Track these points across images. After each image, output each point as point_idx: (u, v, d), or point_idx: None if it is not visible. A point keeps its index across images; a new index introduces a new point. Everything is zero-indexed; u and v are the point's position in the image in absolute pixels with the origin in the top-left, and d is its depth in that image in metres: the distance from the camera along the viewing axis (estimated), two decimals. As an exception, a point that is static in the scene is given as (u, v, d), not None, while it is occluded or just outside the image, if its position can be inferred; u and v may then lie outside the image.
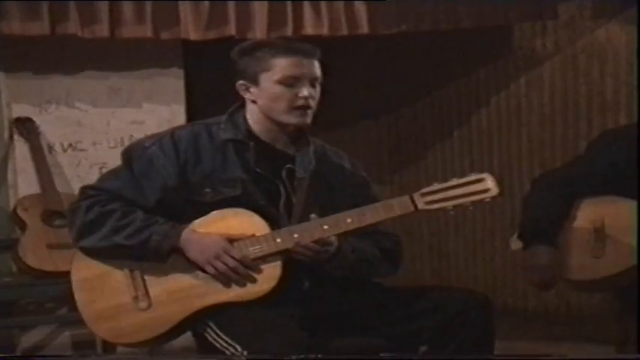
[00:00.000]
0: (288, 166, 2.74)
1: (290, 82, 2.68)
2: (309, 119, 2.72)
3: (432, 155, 5.88)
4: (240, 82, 2.75)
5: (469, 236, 5.70)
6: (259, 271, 2.62)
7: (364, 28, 4.57)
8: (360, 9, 4.56)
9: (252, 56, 2.72)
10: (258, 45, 2.76)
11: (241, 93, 2.76)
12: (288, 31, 4.41)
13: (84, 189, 2.78)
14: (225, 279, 2.63)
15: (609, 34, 4.98)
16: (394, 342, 2.67)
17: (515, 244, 3.35)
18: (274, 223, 2.67)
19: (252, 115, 2.75)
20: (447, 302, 2.64)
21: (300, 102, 2.68)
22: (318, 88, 2.73)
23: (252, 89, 2.73)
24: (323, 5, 4.50)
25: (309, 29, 4.46)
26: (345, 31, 4.51)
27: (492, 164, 5.52)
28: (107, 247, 2.68)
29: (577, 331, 4.81)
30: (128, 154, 2.77)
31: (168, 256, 2.67)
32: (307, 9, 4.48)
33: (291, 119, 2.70)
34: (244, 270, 2.62)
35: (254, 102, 2.73)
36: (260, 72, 2.70)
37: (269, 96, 2.70)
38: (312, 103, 2.71)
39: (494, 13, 4.87)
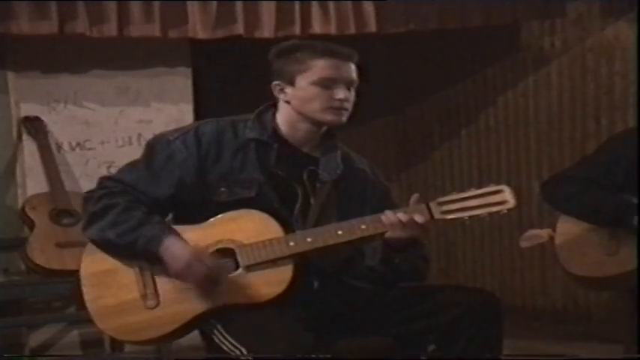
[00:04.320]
0: (311, 168, 2.73)
1: (327, 83, 2.67)
2: (344, 118, 2.71)
3: (440, 154, 5.88)
4: (276, 82, 2.73)
5: (477, 235, 5.67)
6: (269, 275, 2.59)
7: (372, 27, 4.56)
8: (368, 8, 4.55)
9: (290, 57, 2.70)
10: (297, 46, 2.74)
11: (275, 93, 2.74)
12: (296, 30, 4.40)
13: (101, 179, 2.76)
14: (201, 289, 2.60)
15: (618, 32, 4.94)
16: (402, 341, 2.65)
17: (526, 242, 3.34)
18: (289, 227, 2.64)
19: (284, 116, 2.74)
20: (455, 301, 2.61)
21: (336, 103, 2.67)
22: (354, 92, 2.72)
23: (288, 90, 2.71)
24: (331, 4, 4.49)
25: (317, 28, 4.46)
26: (352, 30, 4.51)
27: (500, 163, 5.52)
28: (103, 242, 2.66)
29: (585, 330, 4.79)
30: (151, 147, 2.75)
31: (159, 259, 2.63)
32: (315, 8, 4.47)
33: (326, 117, 2.69)
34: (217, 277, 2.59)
35: (287, 103, 2.72)
36: (297, 73, 2.69)
37: (305, 97, 2.69)
38: (348, 105, 2.70)
39: (501, 11, 4.85)
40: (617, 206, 3.00)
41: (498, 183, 2.53)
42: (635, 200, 2.98)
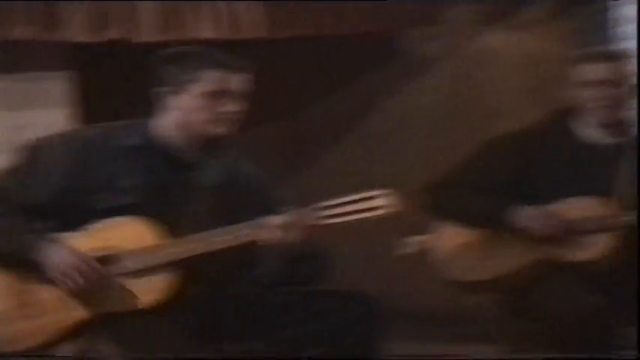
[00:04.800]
0: (194, 174, 2.70)
1: (216, 95, 2.66)
2: (230, 130, 2.70)
3: (328, 159, 5.89)
4: (163, 89, 2.69)
5: (362, 239, 5.71)
6: (152, 281, 2.57)
7: (263, 32, 4.52)
8: (259, 12, 4.48)
9: (179, 65, 2.69)
10: (187, 54, 2.72)
11: (161, 100, 2.71)
12: (185, 34, 4.31)
13: None
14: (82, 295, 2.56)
15: (494, 40, 5.08)
16: (285, 346, 2.67)
17: (406, 248, 3.39)
18: (171, 233, 2.62)
19: (168, 123, 2.72)
20: (331, 306, 2.68)
21: (224, 116, 2.67)
22: (244, 103, 2.72)
23: (175, 97, 2.68)
24: (223, 8, 4.40)
25: (207, 32, 4.36)
26: (244, 35, 4.45)
27: (385, 168, 5.56)
28: None
29: (467, 332, 4.87)
30: (28, 152, 2.70)
31: (37, 268, 2.59)
32: (205, 11, 4.36)
33: (213, 129, 2.69)
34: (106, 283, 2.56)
35: (174, 110, 2.69)
36: (186, 82, 2.66)
37: (192, 106, 2.67)
38: (236, 117, 2.70)
39: (383, 18, 4.89)
40: (492, 210, 3.08)
41: (385, 187, 2.60)
42: (508, 202, 3.06)
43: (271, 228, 2.58)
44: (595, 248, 2.99)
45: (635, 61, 3.28)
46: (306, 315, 2.67)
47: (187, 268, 2.61)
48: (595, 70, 3.07)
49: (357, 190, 2.68)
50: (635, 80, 3.10)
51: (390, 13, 4.92)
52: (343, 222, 2.66)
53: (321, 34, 4.81)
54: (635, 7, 4.60)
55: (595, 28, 4.64)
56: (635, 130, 3.11)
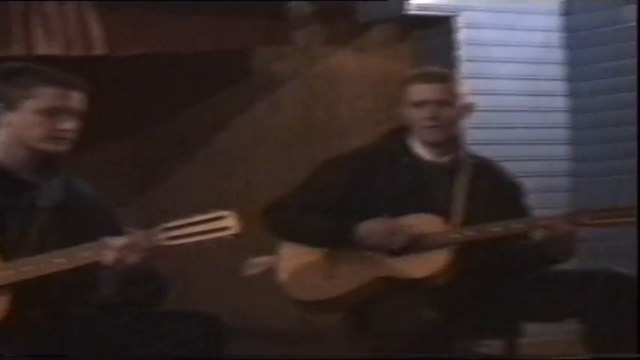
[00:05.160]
0: (29, 194, 2.65)
1: (51, 112, 2.61)
2: (65, 148, 2.66)
3: (177, 178, 5.87)
4: None
5: (214, 258, 5.70)
6: None
7: (101, 49, 4.49)
8: (96, 28, 4.46)
9: (13, 81, 2.63)
10: (21, 70, 2.67)
11: None
12: (17, 50, 4.23)
13: None
14: None
15: (342, 60, 5.15)
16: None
17: (252, 269, 3.39)
18: (6, 255, 2.56)
19: (1, 141, 2.65)
20: (175, 328, 2.65)
21: (59, 134, 2.63)
22: (80, 121, 2.67)
23: (8, 114, 2.63)
24: (56, 24, 4.35)
25: (41, 49, 4.31)
26: (80, 52, 4.42)
27: (236, 187, 5.58)
28: None
29: (317, 349, 4.92)
30: None
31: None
32: (38, 27, 4.31)
33: (47, 147, 2.63)
34: None
35: (6, 127, 2.64)
36: (20, 98, 2.62)
37: (26, 124, 2.62)
38: (71, 135, 2.65)
39: (231, 36, 4.92)
40: (334, 229, 3.12)
41: (235, 207, 2.60)
42: (348, 221, 3.13)
43: (112, 249, 2.54)
44: (433, 265, 3.01)
45: (464, 82, 3.35)
46: (150, 336, 2.62)
47: (28, 291, 2.55)
48: (420, 91, 3.11)
49: (207, 211, 2.64)
50: (469, 100, 3.23)
51: (239, 31, 4.97)
52: (190, 243, 2.61)
53: (168, 52, 4.79)
54: (482, 31, 4.81)
55: (440, 50, 4.81)
56: (464, 150, 3.21)
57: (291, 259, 3.25)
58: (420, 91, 3.14)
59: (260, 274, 3.42)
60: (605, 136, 4.88)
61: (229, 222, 2.58)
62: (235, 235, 2.60)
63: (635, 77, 4.66)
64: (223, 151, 5.66)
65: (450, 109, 3.15)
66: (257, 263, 3.50)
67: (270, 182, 5.44)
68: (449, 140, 3.19)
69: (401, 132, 3.26)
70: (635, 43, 4.64)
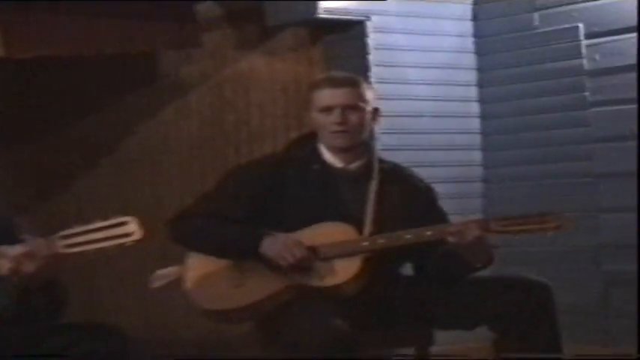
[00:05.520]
0: None
1: None
2: None
3: (81, 186, 5.76)
4: None
5: (121, 268, 5.60)
6: None
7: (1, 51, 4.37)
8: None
9: None
10: None
11: None
12: None
13: None
14: None
15: (252, 64, 5.10)
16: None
17: (157, 281, 3.33)
18: None
19: None
20: (79, 341, 2.61)
21: None
22: None
23: None
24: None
25: None
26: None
27: (144, 194, 5.51)
28: None
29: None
30: None
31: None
32: None
33: None
34: None
35: None
36: None
37: None
38: None
39: (137, 39, 4.84)
40: (242, 238, 3.07)
41: (142, 215, 2.54)
42: (256, 230, 3.08)
43: (8, 258, 2.48)
44: (344, 273, 2.99)
45: (372, 87, 3.33)
46: (50, 349, 2.58)
47: None
48: (327, 96, 3.08)
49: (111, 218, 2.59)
50: (377, 105, 3.20)
51: (146, 34, 4.88)
52: (91, 250, 2.56)
53: (71, 54, 4.67)
54: (391, 35, 4.80)
55: (351, 55, 4.79)
56: (375, 156, 3.19)
57: (198, 268, 3.19)
58: (327, 96, 3.12)
59: (163, 285, 3.36)
60: (514, 141, 4.93)
61: (131, 228, 2.54)
62: (138, 242, 2.54)
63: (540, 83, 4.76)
64: (129, 158, 5.57)
65: (357, 114, 3.13)
66: (163, 274, 3.43)
67: (179, 190, 5.38)
68: (357, 146, 3.17)
69: (311, 138, 3.23)
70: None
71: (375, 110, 3.20)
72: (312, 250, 3.03)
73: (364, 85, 3.20)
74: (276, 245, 3.03)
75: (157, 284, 3.35)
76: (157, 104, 5.41)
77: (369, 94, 3.18)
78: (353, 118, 3.11)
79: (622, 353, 4.05)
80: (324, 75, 3.30)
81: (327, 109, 3.11)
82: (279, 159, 3.25)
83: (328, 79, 3.20)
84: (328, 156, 3.18)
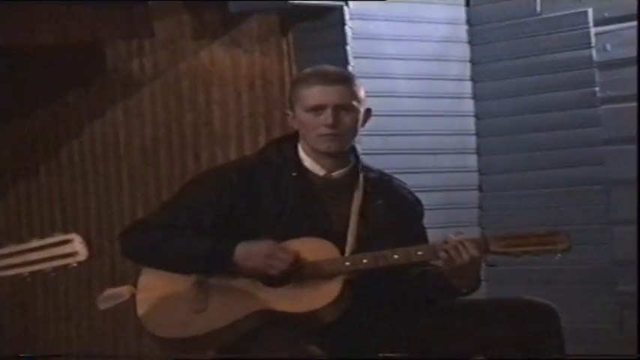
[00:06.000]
0: None
1: None
2: None
3: (15, 195, 5.68)
4: None
5: (60, 292, 5.54)
6: None
7: None
8: None
9: None
10: None
11: None
12: None
13: None
14: None
15: (213, 56, 5.03)
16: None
17: (105, 303, 3.27)
18: None
19: None
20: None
21: None
22: None
23: None
24: None
25: None
26: None
27: (89, 204, 5.44)
28: None
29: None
30: None
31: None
32: None
33: None
34: None
35: None
36: None
37: None
38: None
39: (79, 27, 4.75)
40: (209, 249, 3.02)
41: (86, 228, 2.52)
42: (227, 244, 3.04)
43: None
44: (321, 297, 2.94)
45: (360, 83, 3.28)
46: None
47: None
48: (318, 94, 3.04)
49: (51, 234, 2.58)
50: (367, 104, 3.14)
51: (90, 22, 4.81)
52: (28, 272, 2.54)
53: (4, 44, 4.60)
54: (372, 23, 4.74)
55: (327, 45, 4.74)
56: (359, 162, 3.14)
57: (153, 289, 3.12)
58: (317, 93, 3.06)
59: (112, 308, 3.31)
60: (513, 144, 4.89)
61: (75, 246, 2.53)
62: (83, 262, 2.53)
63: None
64: (72, 164, 5.50)
65: (350, 116, 3.07)
66: (113, 295, 3.37)
67: (130, 202, 5.33)
68: (345, 152, 3.12)
69: (288, 141, 3.17)
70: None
71: (368, 111, 3.13)
72: (294, 261, 2.99)
73: (357, 82, 3.13)
74: (256, 252, 2.97)
75: (104, 306, 3.30)
76: (104, 103, 5.34)
77: (362, 93, 3.11)
78: (346, 119, 3.05)
79: (622, 353, 4.04)
80: (312, 69, 3.21)
81: (317, 109, 3.05)
82: (250, 164, 3.19)
83: (319, 73, 3.11)
84: (309, 162, 3.13)
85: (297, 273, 2.99)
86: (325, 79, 3.07)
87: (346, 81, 3.10)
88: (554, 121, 4.71)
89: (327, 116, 3.04)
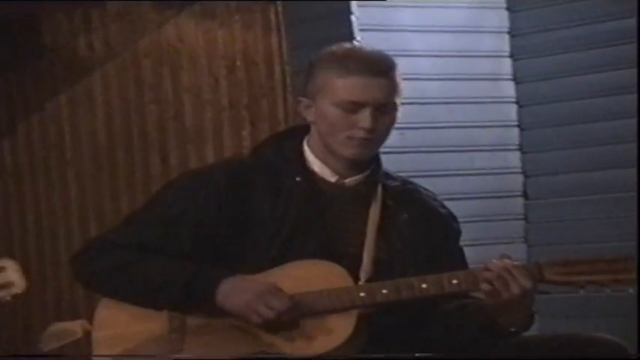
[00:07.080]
0: None
1: None
2: None
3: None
4: None
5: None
6: None
7: None
8: None
9: None
10: None
11: None
12: None
13: None
14: None
15: (181, 32, 5.11)
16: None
17: (50, 341, 3.32)
18: None
19: None
20: None
21: None
22: None
23: None
24: None
25: None
26: None
27: (26, 222, 5.56)
28: None
29: None
30: None
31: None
32: None
33: None
34: None
35: None
36: None
37: None
38: None
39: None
40: (187, 281, 3.03)
41: (24, 251, 2.57)
42: (203, 269, 3.05)
43: None
44: (331, 336, 2.98)
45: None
46: None
47: None
48: (360, 87, 3.00)
49: None
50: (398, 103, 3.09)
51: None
52: None
53: None
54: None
55: (327, 16, 4.77)
56: (380, 169, 3.11)
57: (115, 325, 3.14)
58: (359, 86, 3.01)
59: (59, 346, 3.37)
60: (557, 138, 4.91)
61: (10, 276, 2.64)
62: (20, 295, 2.62)
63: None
64: (5, 169, 5.60)
65: (388, 116, 3.01)
66: (59, 332, 3.42)
67: (80, 216, 5.35)
68: (367, 159, 3.09)
69: (290, 137, 3.18)
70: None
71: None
72: (294, 302, 3.02)
73: (395, 71, 3.02)
74: (242, 292, 2.98)
75: (49, 346, 3.34)
76: (43, 91, 5.43)
77: (402, 86, 3.03)
78: (385, 121, 3.00)
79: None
80: (345, 48, 3.13)
81: (353, 106, 3.03)
82: (242, 166, 3.18)
83: (359, 58, 3.02)
84: (318, 165, 3.11)
85: (300, 314, 2.99)
86: (369, 67, 3.00)
87: (391, 71, 3.02)
88: (617, 108, 4.67)
89: (364, 117, 3.00)
